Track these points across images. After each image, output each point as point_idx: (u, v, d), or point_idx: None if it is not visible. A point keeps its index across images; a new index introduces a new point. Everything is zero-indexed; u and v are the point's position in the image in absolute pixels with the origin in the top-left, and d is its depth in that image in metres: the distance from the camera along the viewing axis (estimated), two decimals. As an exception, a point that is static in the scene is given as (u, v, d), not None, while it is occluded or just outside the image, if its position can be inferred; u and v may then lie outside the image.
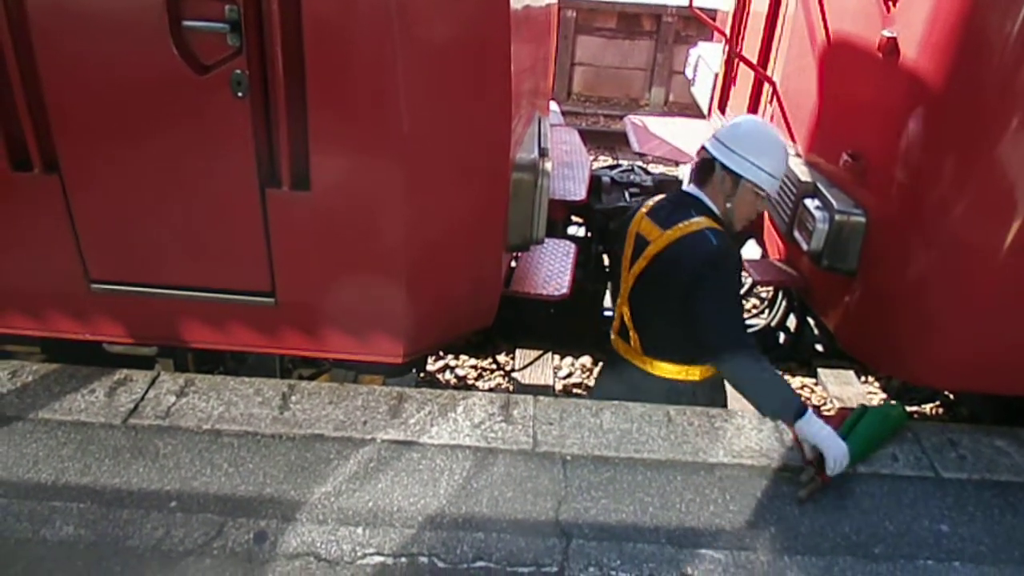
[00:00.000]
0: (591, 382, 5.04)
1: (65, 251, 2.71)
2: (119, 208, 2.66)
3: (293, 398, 2.86)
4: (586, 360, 5.22)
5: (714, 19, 5.81)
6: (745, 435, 2.80)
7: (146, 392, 2.85)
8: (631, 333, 2.90)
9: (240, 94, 2.42)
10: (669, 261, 2.69)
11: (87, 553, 2.21)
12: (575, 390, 4.95)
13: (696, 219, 2.68)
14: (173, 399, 2.81)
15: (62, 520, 2.31)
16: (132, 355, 3.23)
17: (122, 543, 2.25)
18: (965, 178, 2.70)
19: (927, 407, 4.75)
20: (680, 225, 2.67)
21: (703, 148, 2.78)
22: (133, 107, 2.49)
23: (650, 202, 2.88)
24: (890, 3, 3.01)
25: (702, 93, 6.14)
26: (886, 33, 2.97)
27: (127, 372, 2.95)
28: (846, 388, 4.81)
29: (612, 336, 3.04)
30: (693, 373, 2.89)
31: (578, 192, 4.28)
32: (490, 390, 4.84)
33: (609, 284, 5.14)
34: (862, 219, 3.05)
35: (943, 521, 2.52)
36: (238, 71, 2.39)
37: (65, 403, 2.77)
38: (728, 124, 2.83)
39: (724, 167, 2.68)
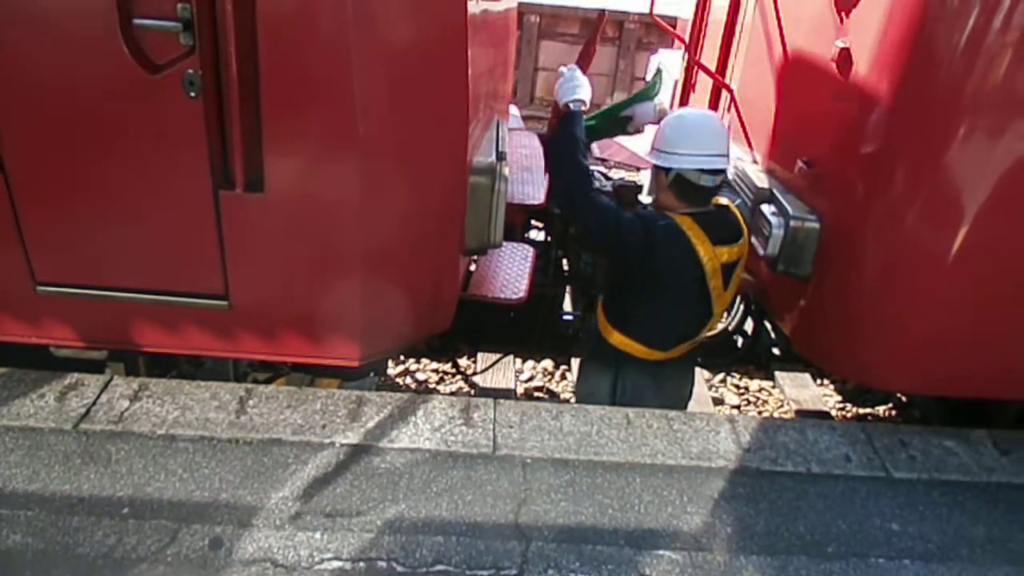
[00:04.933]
0: (552, 385, 5.05)
1: (9, 252, 2.64)
2: (66, 208, 2.60)
3: (251, 402, 2.82)
4: (547, 363, 5.23)
5: (674, 27, 5.86)
6: (703, 437, 2.83)
7: (98, 396, 2.79)
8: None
9: (193, 94, 2.38)
10: None
11: (35, 561, 2.15)
12: (536, 393, 4.95)
13: None
14: (126, 404, 2.76)
15: (9, 528, 2.25)
16: (81, 359, 3.16)
17: (72, 551, 2.20)
18: (915, 185, 2.77)
19: (880, 409, 4.85)
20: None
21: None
22: (82, 106, 2.44)
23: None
24: (843, 14, 3.07)
25: (662, 99, 6.19)
26: (840, 43, 3.03)
27: (79, 376, 2.88)
28: (802, 391, 4.88)
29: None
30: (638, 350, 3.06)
31: (537, 196, 4.30)
32: (451, 394, 4.83)
33: (568, 288, 5.17)
34: (816, 225, 3.11)
35: (894, 520, 2.57)
36: (191, 71, 2.36)
37: (13, 408, 2.70)
38: None
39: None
